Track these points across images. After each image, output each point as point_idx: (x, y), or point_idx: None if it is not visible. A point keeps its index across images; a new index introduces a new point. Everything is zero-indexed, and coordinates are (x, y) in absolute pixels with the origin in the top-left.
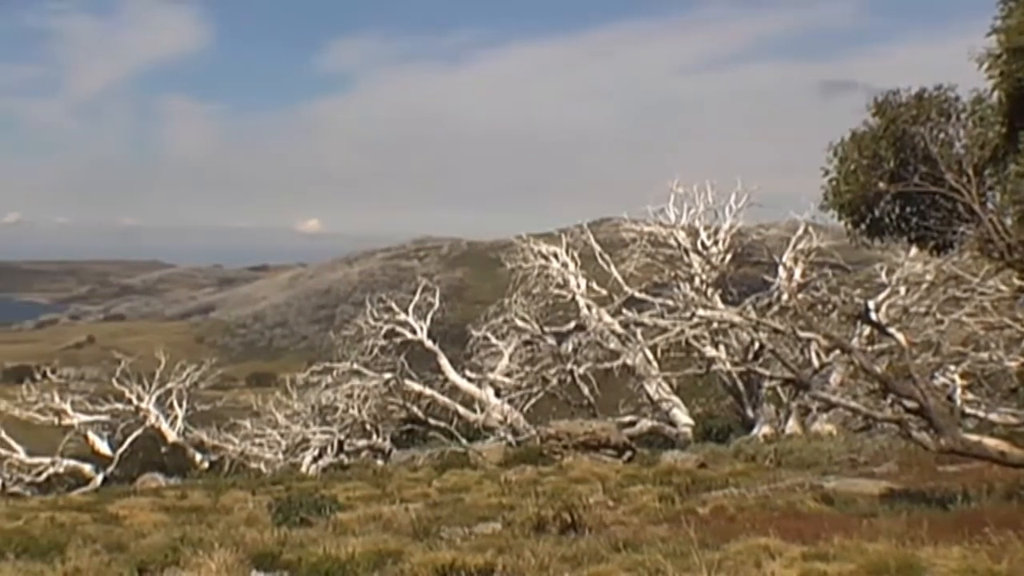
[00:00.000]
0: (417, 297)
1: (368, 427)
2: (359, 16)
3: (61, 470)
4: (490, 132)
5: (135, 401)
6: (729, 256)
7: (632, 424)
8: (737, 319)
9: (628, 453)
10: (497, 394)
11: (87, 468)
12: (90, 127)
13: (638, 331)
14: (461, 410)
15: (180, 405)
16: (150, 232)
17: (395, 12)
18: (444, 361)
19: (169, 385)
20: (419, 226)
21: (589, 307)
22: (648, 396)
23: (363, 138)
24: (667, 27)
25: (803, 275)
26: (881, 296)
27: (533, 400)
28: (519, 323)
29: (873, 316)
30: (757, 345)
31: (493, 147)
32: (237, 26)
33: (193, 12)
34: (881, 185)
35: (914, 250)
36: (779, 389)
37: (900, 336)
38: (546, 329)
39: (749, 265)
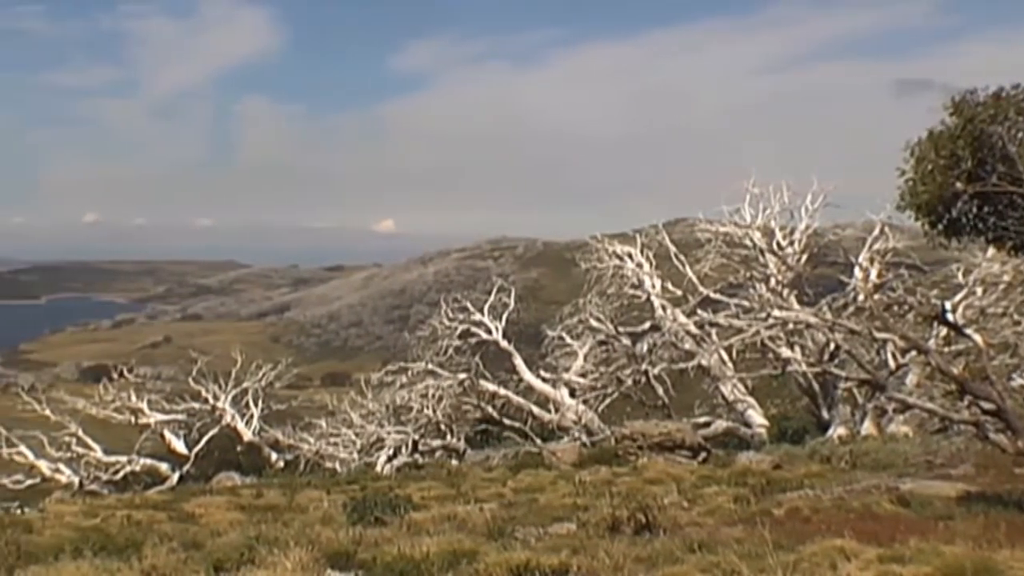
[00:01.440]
0: (492, 297)
1: (442, 427)
2: (434, 17)
3: (138, 468)
4: (564, 132)
5: (211, 400)
6: (805, 256)
7: (707, 425)
8: (813, 320)
9: (703, 454)
10: (572, 394)
11: (163, 467)
12: (168, 128)
13: (713, 332)
14: (535, 410)
15: (256, 404)
16: (226, 232)
17: (469, 13)
18: (519, 361)
19: (245, 384)
20: (494, 226)
21: (664, 307)
22: (723, 397)
23: (438, 138)
24: (740, 27)
25: (879, 276)
26: (958, 297)
27: (608, 400)
28: (594, 323)
29: (950, 317)
30: (833, 346)
31: (567, 147)
32: (314, 28)
33: (271, 14)
34: (958, 185)
35: (991, 250)
36: (855, 390)
37: (977, 337)
38: (621, 329)
39: (825, 266)
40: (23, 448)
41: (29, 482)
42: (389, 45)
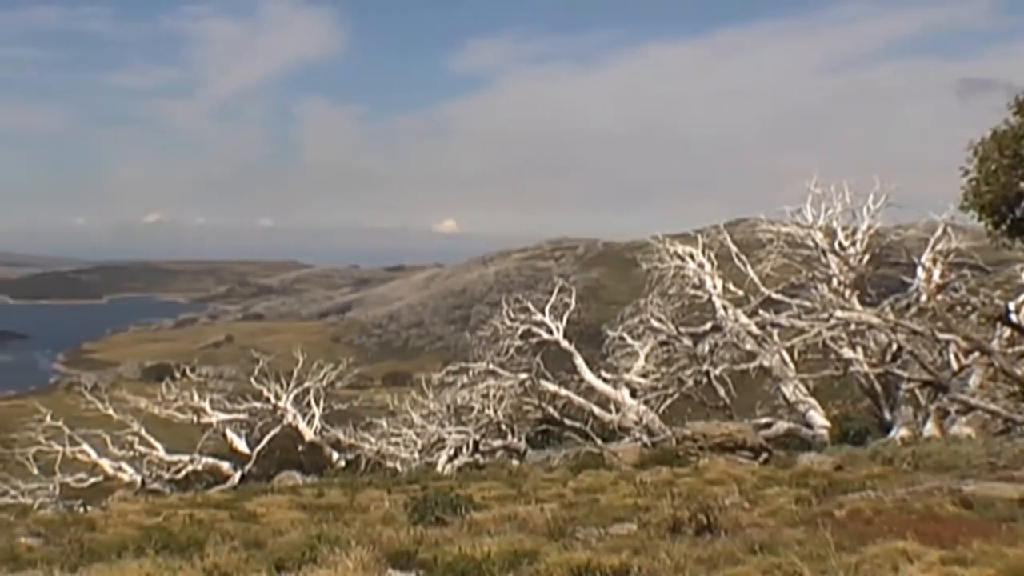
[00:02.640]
0: (553, 297)
1: (503, 427)
2: (493, 18)
3: (200, 467)
4: (625, 132)
5: (273, 400)
6: (867, 257)
7: (768, 426)
8: (875, 320)
9: (764, 455)
10: (633, 395)
11: (225, 466)
12: (229, 129)
13: (775, 332)
14: (596, 411)
15: (317, 404)
16: (288, 233)
17: (529, 14)
18: (580, 361)
19: (306, 384)
20: (555, 226)
21: (725, 308)
22: (784, 398)
23: (499, 139)
24: (800, 27)
25: (942, 276)
26: (1022, 298)
27: (669, 401)
28: (655, 324)
29: (1013, 318)
30: (895, 347)
31: (629, 147)
32: (374, 28)
33: (331, 14)
34: (1023, 185)
35: None
36: (917, 391)
37: None
38: (682, 330)
39: (887, 266)
40: (86, 447)
41: (92, 480)
42: (449, 45)
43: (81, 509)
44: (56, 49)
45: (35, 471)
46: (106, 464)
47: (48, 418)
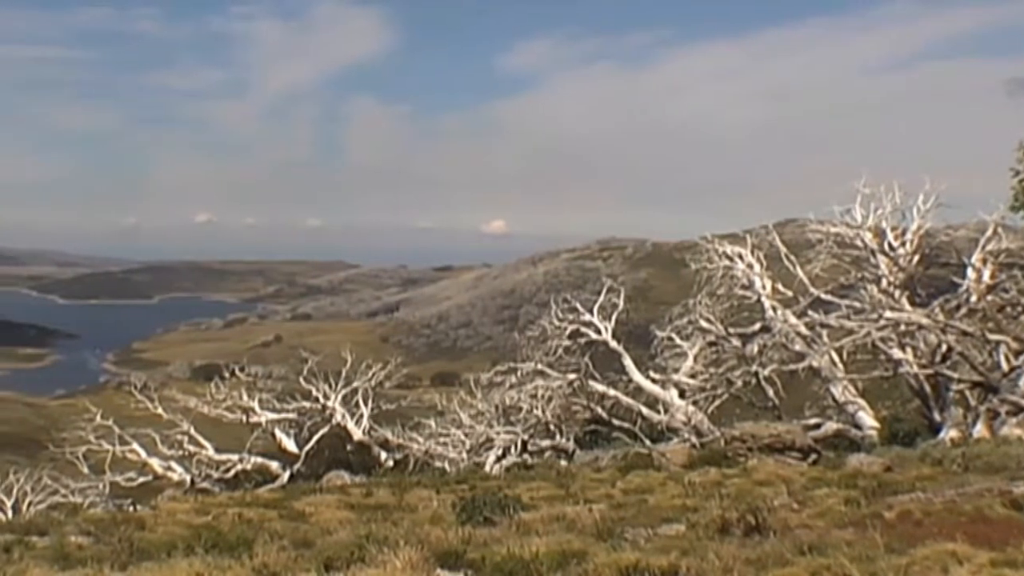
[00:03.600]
0: (602, 298)
1: (552, 427)
2: (541, 18)
3: (249, 467)
4: (673, 132)
5: (321, 399)
6: (917, 257)
7: (817, 427)
8: (925, 321)
9: (813, 456)
10: (681, 395)
11: (274, 465)
12: (278, 129)
13: (824, 333)
14: (645, 411)
15: (365, 404)
16: (336, 233)
17: (577, 14)
18: (628, 362)
19: (355, 384)
20: (603, 227)
21: (774, 308)
22: (834, 398)
23: (548, 138)
24: (849, 26)
25: (992, 277)
26: None
27: (717, 402)
28: (704, 324)
29: None
30: (945, 348)
31: (676, 147)
32: (422, 28)
33: (379, 14)
34: None
35: None
36: (967, 392)
37: None
38: (731, 330)
39: (937, 266)
40: (136, 446)
41: (141, 480)
42: (498, 45)
43: (131, 508)
44: (106, 50)
45: (85, 470)
46: (155, 463)
47: (98, 417)
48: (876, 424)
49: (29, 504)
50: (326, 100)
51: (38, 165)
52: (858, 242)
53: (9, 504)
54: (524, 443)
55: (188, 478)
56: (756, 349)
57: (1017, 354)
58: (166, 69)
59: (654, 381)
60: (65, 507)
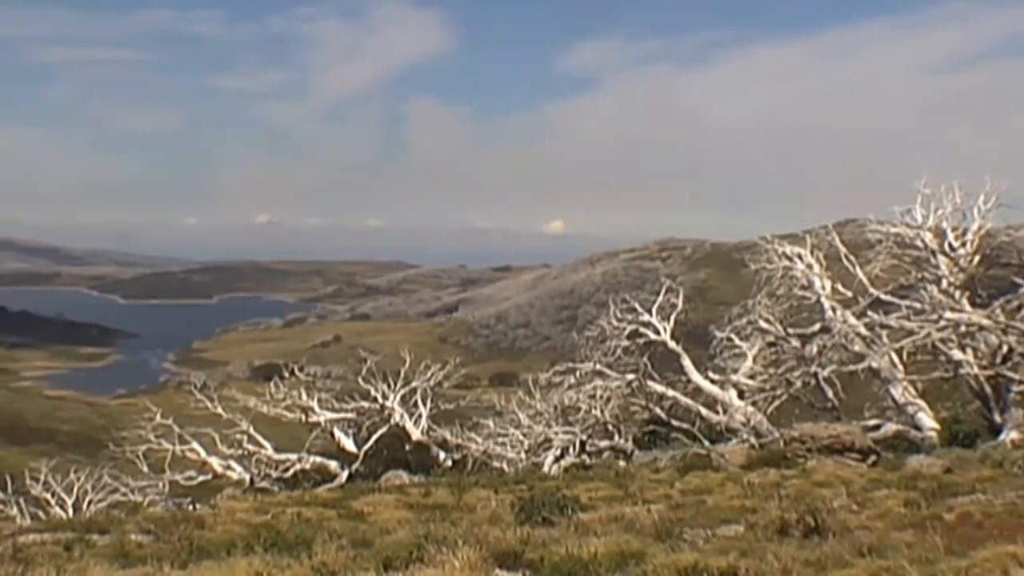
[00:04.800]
0: (660, 298)
1: (610, 428)
2: (601, 19)
3: (307, 466)
4: (733, 133)
5: (380, 399)
6: (977, 258)
7: (876, 428)
8: (985, 322)
9: (872, 457)
10: (740, 396)
11: (333, 465)
12: (338, 130)
13: (883, 333)
14: (703, 411)
15: (424, 404)
16: (395, 233)
17: (637, 14)
18: (687, 362)
19: (413, 384)
20: (662, 227)
21: (834, 309)
22: (893, 399)
23: (607, 139)
24: (909, 25)
25: None
26: None
27: (776, 402)
28: (763, 325)
29: None
30: (1005, 348)
31: (736, 148)
32: (482, 29)
33: (440, 16)
34: None
35: None
36: None
37: None
38: (790, 331)
39: (998, 267)
40: (196, 445)
41: (201, 479)
42: (557, 46)
43: (190, 507)
44: (169, 52)
45: (145, 469)
46: (215, 462)
47: (158, 417)
48: (936, 425)
49: (90, 503)
50: (386, 101)
51: (100, 166)
52: (918, 242)
53: (70, 502)
54: (582, 443)
55: (247, 477)
56: (815, 350)
57: None
58: (228, 71)
59: (713, 382)
60: (125, 506)
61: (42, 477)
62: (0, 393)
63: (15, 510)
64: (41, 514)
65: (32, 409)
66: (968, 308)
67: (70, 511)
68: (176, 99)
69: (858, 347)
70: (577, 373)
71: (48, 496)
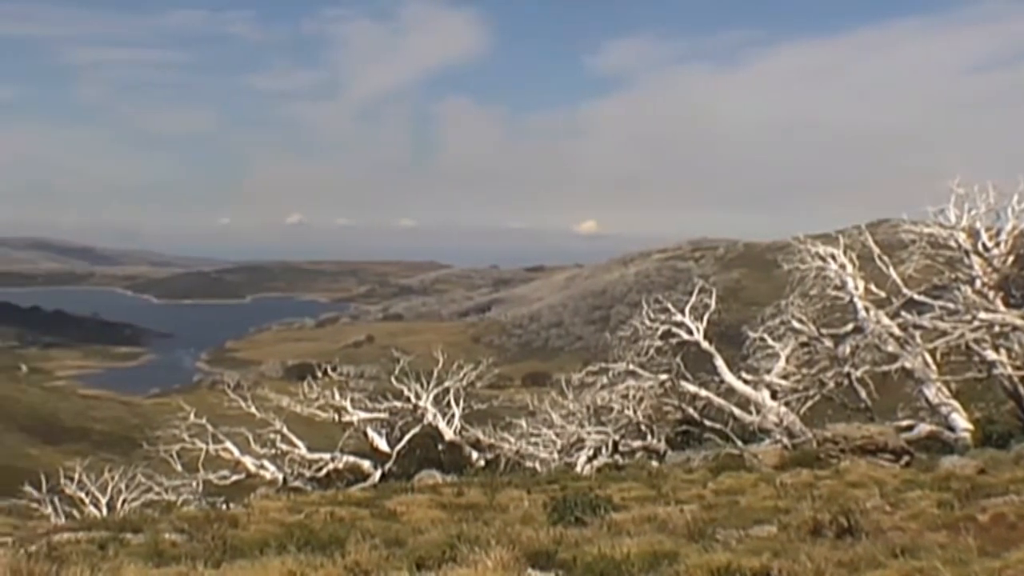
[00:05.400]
0: (693, 298)
1: (643, 428)
2: (632, 19)
3: (340, 466)
4: (765, 132)
5: (413, 399)
6: (1011, 258)
7: (910, 428)
8: (1019, 322)
9: (905, 458)
10: (773, 396)
11: (366, 464)
12: (370, 130)
13: (917, 334)
14: (736, 412)
15: (457, 404)
16: (428, 233)
17: (668, 14)
18: (720, 362)
19: (446, 384)
20: (695, 227)
21: (867, 309)
22: (926, 400)
23: (639, 139)
24: (942, 25)
25: None
26: None
27: (810, 403)
28: (796, 325)
29: None
30: None
31: (768, 148)
32: (514, 29)
33: (471, 16)
34: None
35: None
36: None
37: None
38: (823, 331)
39: None
40: (229, 444)
41: (234, 478)
42: (589, 45)
43: (224, 506)
44: (201, 52)
45: (179, 468)
46: (248, 462)
47: (192, 416)
48: (969, 426)
49: (124, 502)
50: (418, 101)
51: (133, 167)
52: (952, 243)
53: (104, 501)
54: (615, 443)
55: (280, 477)
56: (848, 350)
57: None
58: (260, 71)
59: (746, 382)
60: (159, 505)
61: (76, 476)
62: (35, 392)
63: (49, 509)
64: (75, 513)
65: (66, 408)
66: (1002, 308)
67: (104, 510)
68: (208, 99)
69: (891, 347)
70: (610, 373)
71: (82, 495)
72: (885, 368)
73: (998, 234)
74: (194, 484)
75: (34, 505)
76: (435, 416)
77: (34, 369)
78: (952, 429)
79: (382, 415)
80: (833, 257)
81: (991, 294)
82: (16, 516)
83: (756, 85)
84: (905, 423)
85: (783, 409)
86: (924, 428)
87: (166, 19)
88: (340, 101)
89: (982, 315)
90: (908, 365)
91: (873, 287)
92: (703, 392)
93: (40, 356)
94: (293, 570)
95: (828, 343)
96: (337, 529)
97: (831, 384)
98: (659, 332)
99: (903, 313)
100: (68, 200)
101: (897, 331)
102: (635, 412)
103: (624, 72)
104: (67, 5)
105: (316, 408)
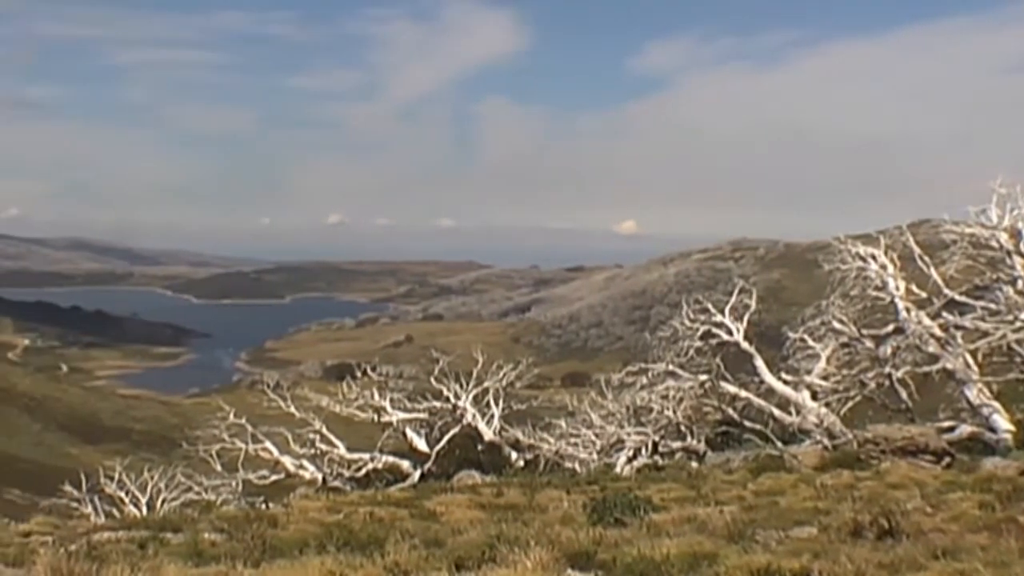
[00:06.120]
0: (733, 298)
1: (683, 428)
2: (673, 19)
3: (380, 466)
4: (805, 132)
5: (452, 399)
6: None
7: (951, 429)
8: None
9: (947, 459)
10: (813, 397)
11: (405, 464)
12: (410, 130)
13: (958, 335)
14: (776, 413)
15: (496, 404)
16: (468, 233)
17: (709, 14)
18: (760, 363)
19: (486, 384)
20: (735, 227)
21: (908, 310)
22: (968, 401)
23: (679, 139)
24: (986, 24)
25: None
26: None
27: (850, 404)
28: (836, 325)
29: None
30: None
31: (809, 148)
32: (554, 29)
33: (512, 16)
34: None
35: None
36: None
37: None
38: (864, 332)
39: None
40: (268, 444)
41: (274, 478)
42: (630, 46)
43: (263, 506)
44: (242, 53)
45: (218, 468)
46: (287, 461)
47: (231, 416)
48: (1011, 427)
49: (163, 501)
50: (458, 101)
51: (173, 167)
52: (993, 243)
53: (144, 501)
54: (655, 444)
55: (320, 476)
56: (889, 351)
57: None
58: (300, 72)
59: (786, 383)
60: (198, 504)
61: (116, 475)
62: (75, 392)
63: (89, 508)
64: (115, 512)
65: (106, 408)
66: None
67: (144, 509)
68: (250, 100)
69: (932, 348)
70: (650, 373)
71: (122, 494)
72: (926, 369)
73: None
74: (233, 484)
75: (74, 504)
76: (474, 416)
77: (74, 369)
78: (993, 430)
79: (421, 415)
80: (874, 257)
81: None
82: (56, 515)
83: (797, 85)
84: (946, 424)
85: (823, 410)
86: (965, 429)
87: (209, 20)
88: (380, 101)
89: None
90: (949, 366)
91: (914, 287)
92: (743, 393)
93: (80, 356)
94: (332, 570)
95: (869, 344)
96: (376, 529)
97: (872, 385)
98: (699, 332)
99: (944, 314)
100: (108, 200)
101: (938, 332)
102: (675, 413)
103: (665, 72)
104: (110, 6)
105: (355, 408)
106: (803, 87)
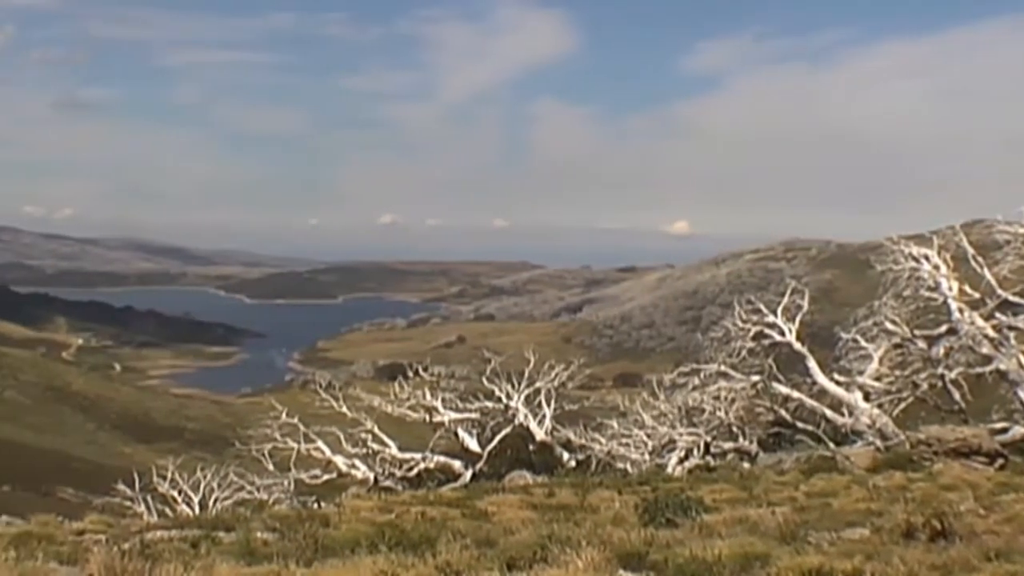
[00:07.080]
0: (786, 299)
1: (734, 429)
2: (726, 18)
3: (431, 466)
4: (858, 132)
5: (504, 399)
6: None
7: (1004, 431)
8: None
9: (1000, 460)
10: (866, 398)
11: (456, 464)
12: (462, 131)
13: (1012, 335)
14: (829, 414)
15: (548, 404)
16: (520, 234)
17: (761, 14)
18: (812, 364)
19: (537, 384)
20: (787, 227)
21: (961, 310)
22: (1021, 402)
23: (731, 139)
24: None
25: None
26: None
27: (902, 405)
28: (889, 326)
29: None
30: None
31: (862, 147)
32: (605, 29)
33: (563, 16)
34: None
35: None
36: None
37: None
38: (916, 333)
39: None
40: (320, 444)
41: (326, 477)
42: (682, 46)
43: (315, 505)
44: (295, 54)
45: (271, 467)
46: (339, 461)
47: (284, 415)
48: None
49: (216, 500)
50: (511, 101)
51: (227, 167)
52: None
53: (196, 500)
54: (707, 445)
55: (372, 476)
56: (942, 352)
57: None
58: (353, 72)
59: (838, 383)
60: (251, 504)
61: (169, 474)
62: (128, 391)
63: (142, 507)
64: (168, 511)
65: (159, 407)
66: None
67: (196, 508)
68: (302, 100)
69: (986, 349)
70: (701, 374)
71: (175, 493)
72: (979, 370)
73: None
74: (286, 483)
75: (127, 503)
76: (526, 416)
77: (127, 368)
78: None
79: (473, 415)
80: (927, 258)
81: None
82: (110, 514)
83: (850, 84)
84: (999, 425)
85: (876, 411)
86: (1019, 430)
87: (262, 21)
88: (433, 102)
89: None
90: (1003, 367)
91: (967, 288)
92: (795, 394)
93: (134, 356)
94: (384, 569)
95: (921, 345)
96: (428, 529)
97: (924, 386)
98: (751, 333)
99: (998, 314)
100: (161, 200)
101: (991, 333)
102: (727, 413)
103: (717, 72)
104: (166, 8)
105: (407, 408)
106: (854, 86)
